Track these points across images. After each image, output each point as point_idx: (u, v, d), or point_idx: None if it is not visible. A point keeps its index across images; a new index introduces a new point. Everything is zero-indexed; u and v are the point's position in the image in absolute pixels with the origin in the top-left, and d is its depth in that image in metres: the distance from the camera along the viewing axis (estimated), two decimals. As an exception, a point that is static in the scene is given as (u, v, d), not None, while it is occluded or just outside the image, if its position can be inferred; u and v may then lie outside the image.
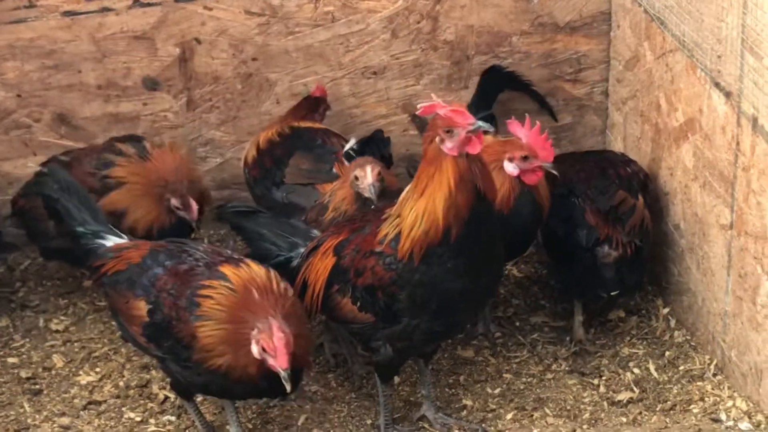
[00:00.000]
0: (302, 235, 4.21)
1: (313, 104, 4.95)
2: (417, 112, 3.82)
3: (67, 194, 4.16)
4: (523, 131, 4.22)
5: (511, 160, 4.21)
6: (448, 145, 3.71)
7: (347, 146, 4.62)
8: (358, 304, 3.94)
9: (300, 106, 4.95)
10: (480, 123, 3.67)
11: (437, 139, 3.72)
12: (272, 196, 4.69)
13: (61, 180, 4.20)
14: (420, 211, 3.76)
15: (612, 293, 4.44)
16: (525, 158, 4.21)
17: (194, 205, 4.54)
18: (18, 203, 4.75)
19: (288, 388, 3.64)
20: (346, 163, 4.53)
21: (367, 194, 4.20)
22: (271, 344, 3.62)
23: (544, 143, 4.21)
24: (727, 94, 4.16)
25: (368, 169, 4.21)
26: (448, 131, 3.69)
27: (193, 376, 3.83)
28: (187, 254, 3.97)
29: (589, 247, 4.40)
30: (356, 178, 4.23)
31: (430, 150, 3.76)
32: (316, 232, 4.21)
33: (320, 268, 4.05)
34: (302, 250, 4.16)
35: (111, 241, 4.12)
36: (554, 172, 4.25)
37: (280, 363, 3.61)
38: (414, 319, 3.88)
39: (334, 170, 4.59)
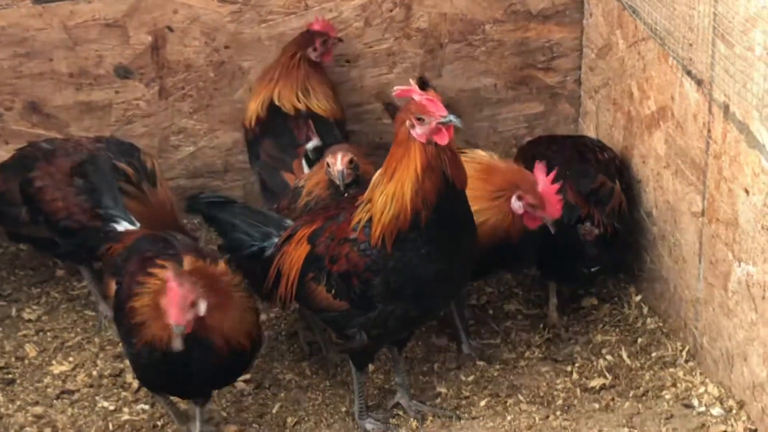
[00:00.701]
0: (275, 224, 4.20)
1: (307, 40, 4.83)
2: (393, 94, 3.83)
3: (100, 175, 4.31)
4: (542, 178, 4.17)
5: (519, 198, 4.18)
6: (418, 131, 3.73)
7: (308, 145, 4.63)
8: (333, 291, 3.95)
9: (292, 43, 4.84)
10: (452, 117, 3.68)
11: (407, 123, 3.73)
12: (253, 165, 4.78)
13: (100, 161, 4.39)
14: (389, 195, 3.78)
15: (593, 269, 4.46)
16: (533, 206, 4.18)
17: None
18: None
19: (177, 345, 3.67)
20: (303, 162, 4.54)
21: (336, 181, 4.20)
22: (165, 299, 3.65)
23: (556, 200, 4.16)
24: (699, 82, 4.18)
25: (339, 156, 4.22)
26: (419, 118, 3.70)
27: (136, 360, 3.86)
28: (167, 243, 3.98)
29: (571, 224, 4.41)
30: (328, 164, 4.23)
31: (400, 133, 3.78)
32: (289, 222, 4.21)
33: (294, 257, 4.05)
34: (276, 239, 4.15)
35: (122, 226, 4.19)
36: (552, 228, 4.22)
37: (170, 316, 3.63)
38: (389, 305, 3.89)
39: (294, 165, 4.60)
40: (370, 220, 3.85)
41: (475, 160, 4.27)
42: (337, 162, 4.20)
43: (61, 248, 4.55)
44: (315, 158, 4.60)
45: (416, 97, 3.71)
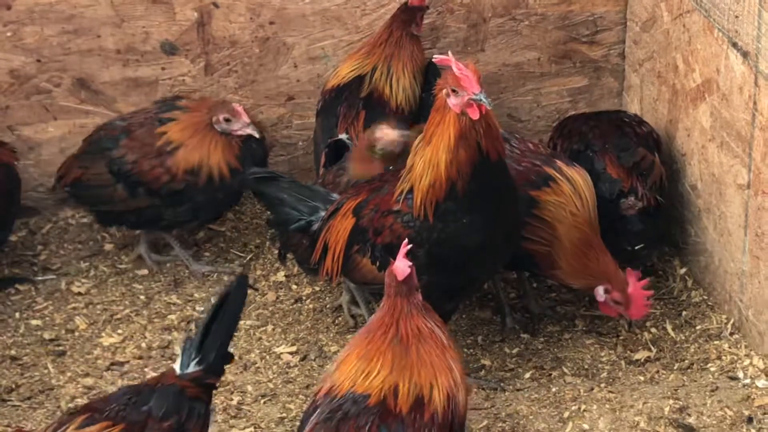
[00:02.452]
0: (322, 198, 4.24)
1: (409, 16, 4.83)
2: (433, 60, 3.84)
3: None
4: (633, 281, 4.20)
5: (606, 291, 4.23)
6: (453, 102, 3.75)
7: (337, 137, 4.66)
8: (378, 263, 3.98)
9: (397, 21, 4.82)
10: (482, 96, 3.69)
11: (444, 91, 3.75)
12: None
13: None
14: (426, 160, 3.83)
15: (636, 247, 4.46)
16: (617, 303, 4.24)
17: (240, 108, 4.57)
18: (72, 174, 4.76)
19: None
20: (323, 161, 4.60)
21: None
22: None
23: (642, 305, 4.22)
24: (745, 54, 4.16)
25: (383, 132, 4.25)
26: (454, 90, 3.72)
27: None
28: None
29: (613, 198, 4.42)
30: (376, 139, 4.26)
31: (438, 99, 3.81)
32: (335, 196, 4.25)
33: (340, 230, 4.09)
34: (322, 213, 4.19)
35: None
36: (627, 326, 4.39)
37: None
38: (433, 276, 3.92)
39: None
40: (411, 190, 3.88)
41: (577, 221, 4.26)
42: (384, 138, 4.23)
43: (164, 217, 4.68)
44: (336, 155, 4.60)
45: (453, 69, 3.73)
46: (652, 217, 4.47)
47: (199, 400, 3.45)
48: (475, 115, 3.72)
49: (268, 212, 4.42)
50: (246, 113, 4.63)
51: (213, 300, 3.65)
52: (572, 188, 4.24)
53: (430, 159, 3.81)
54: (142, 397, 3.38)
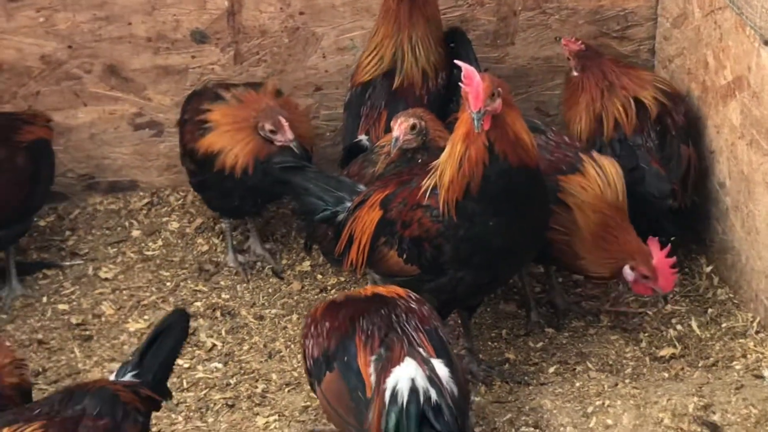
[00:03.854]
0: (348, 189, 4.25)
1: None
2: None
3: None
4: (656, 251, 4.16)
5: (632, 269, 4.18)
6: (466, 106, 3.79)
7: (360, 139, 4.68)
8: (405, 256, 3.99)
9: None
10: (477, 117, 3.71)
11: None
12: None
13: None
14: (445, 158, 3.88)
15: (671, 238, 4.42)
16: (646, 277, 4.18)
17: (286, 124, 4.54)
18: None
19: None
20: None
21: (389, 146, 4.25)
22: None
23: (669, 273, 4.16)
24: (777, 52, 4.15)
25: (399, 121, 4.26)
26: (466, 99, 3.76)
27: None
28: None
29: (659, 197, 4.46)
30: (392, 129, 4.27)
31: (463, 101, 3.83)
32: (361, 187, 4.25)
33: (367, 222, 4.10)
34: (348, 204, 4.20)
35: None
36: (662, 302, 4.35)
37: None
38: (459, 272, 3.93)
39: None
40: (435, 187, 3.89)
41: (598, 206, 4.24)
42: (395, 128, 4.22)
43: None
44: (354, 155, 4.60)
45: (462, 84, 3.74)
46: (684, 216, 4.47)
47: (136, 409, 3.42)
48: (473, 128, 3.75)
49: (293, 202, 4.42)
50: (290, 129, 4.56)
51: (153, 328, 3.69)
52: (599, 174, 4.23)
53: (449, 156, 3.86)
54: (76, 397, 3.37)
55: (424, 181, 3.93)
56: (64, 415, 3.29)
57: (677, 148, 4.59)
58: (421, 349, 3.61)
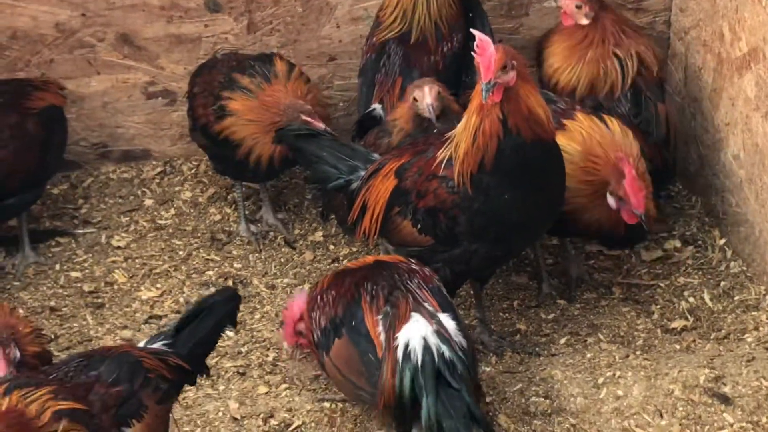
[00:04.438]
0: (362, 158, 4.24)
1: None
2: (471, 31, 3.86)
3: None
4: (627, 170, 4.06)
5: (611, 194, 4.11)
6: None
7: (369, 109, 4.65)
8: (419, 226, 3.99)
9: None
10: (486, 88, 3.69)
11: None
12: None
13: None
14: (460, 129, 3.87)
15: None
16: (621, 199, 4.10)
17: (312, 119, 4.49)
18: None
19: None
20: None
21: (426, 114, 4.23)
22: None
23: (637, 191, 4.04)
24: (793, 24, 4.12)
25: (426, 89, 4.25)
26: (478, 69, 3.74)
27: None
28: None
29: None
30: (415, 99, 4.25)
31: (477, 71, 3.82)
32: (376, 156, 4.25)
33: (381, 190, 4.09)
34: (362, 173, 4.19)
35: None
36: (645, 225, 4.12)
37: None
38: (473, 243, 3.92)
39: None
40: (451, 158, 3.89)
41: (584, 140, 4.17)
42: (426, 95, 4.22)
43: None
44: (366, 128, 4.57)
45: (476, 54, 3.72)
46: (668, 174, 4.44)
47: (161, 376, 3.37)
48: (482, 99, 3.73)
49: (306, 170, 4.41)
50: (319, 119, 4.52)
51: (197, 301, 3.66)
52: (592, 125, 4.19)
53: (464, 128, 3.85)
54: (93, 362, 3.32)
55: (440, 151, 3.92)
56: (77, 380, 3.26)
57: (654, 108, 4.55)
58: (426, 304, 3.64)
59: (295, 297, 4.03)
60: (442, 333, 3.57)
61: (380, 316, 3.66)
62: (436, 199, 3.92)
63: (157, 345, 3.46)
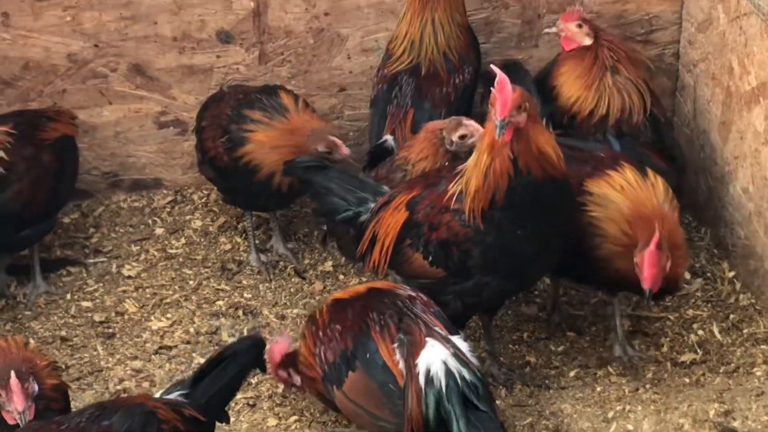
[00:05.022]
0: (371, 190, 4.26)
1: None
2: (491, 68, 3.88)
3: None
4: (651, 243, 3.95)
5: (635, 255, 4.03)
6: (491, 116, 3.81)
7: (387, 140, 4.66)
8: (430, 258, 4.00)
9: None
10: (500, 125, 3.72)
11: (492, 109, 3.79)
12: None
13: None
14: (471, 166, 3.89)
15: None
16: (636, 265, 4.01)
17: (339, 141, 4.52)
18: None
19: None
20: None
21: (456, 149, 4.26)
22: None
23: (651, 265, 3.95)
24: (803, 59, 4.14)
25: (473, 127, 4.25)
26: (489, 108, 3.78)
27: None
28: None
29: None
30: (461, 137, 4.25)
31: (489, 110, 3.84)
32: (385, 188, 4.26)
33: (391, 223, 4.11)
34: (371, 205, 4.21)
35: None
36: (645, 300, 4.07)
37: None
38: (485, 276, 3.94)
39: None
40: (461, 190, 3.92)
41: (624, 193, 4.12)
42: (475, 134, 4.19)
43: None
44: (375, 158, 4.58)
45: (494, 90, 3.75)
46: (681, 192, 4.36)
47: (175, 428, 3.34)
48: (495, 136, 3.76)
49: (314, 202, 4.43)
50: (343, 144, 4.54)
51: (219, 351, 3.66)
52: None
53: (476, 164, 3.87)
54: (106, 412, 3.31)
55: (452, 185, 3.95)
56: (89, 430, 3.25)
57: (671, 135, 4.59)
58: (437, 329, 3.65)
59: (276, 341, 4.05)
60: (459, 356, 3.62)
61: (396, 345, 3.67)
62: (449, 232, 3.94)
63: (174, 395, 3.45)
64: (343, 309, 3.85)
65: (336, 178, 4.28)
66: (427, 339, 3.64)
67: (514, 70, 4.52)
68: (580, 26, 4.63)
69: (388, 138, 4.67)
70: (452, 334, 3.70)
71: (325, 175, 4.28)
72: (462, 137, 4.26)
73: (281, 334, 4.18)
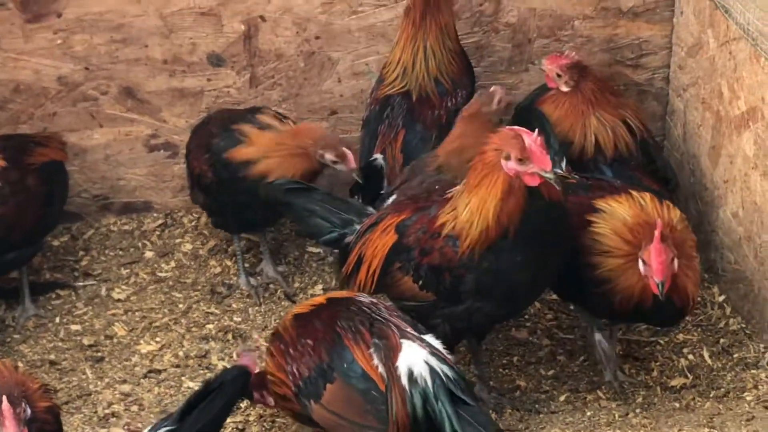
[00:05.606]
0: (357, 211, 4.25)
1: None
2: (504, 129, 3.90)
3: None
4: (655, 236, 3.93)
5: (641, 259, 3.98)
6: (510, 165, 3.78)
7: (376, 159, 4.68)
8: (421, 282, 3.99)
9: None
10: (553, 176, 3.74)
11: (504, 154, 3.77)
12: None
13: None
14: (473, 210, 3.86)
15: None
16: (647, 266, 3.98)
17: (350, 154, 4.52)
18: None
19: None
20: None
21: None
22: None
23: (659, 254, 3.91)
24: (792, 84, 4.16)
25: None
26: (521, 159, 3.74)
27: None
28: None
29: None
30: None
31: (488, 153, 3.83)
32: (371, 210, 4.26)
33: (378, 245, 4.10)
34: (357, 226, 4.20)
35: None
36: (661, 296, 3.97)
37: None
38: (478, 302, 3.93)
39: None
40: (453, 230, 3.91)
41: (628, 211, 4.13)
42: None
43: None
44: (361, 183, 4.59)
45: (527, 142, 3.74)
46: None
47: None
48: (534, 182, 3.77)
49: (298, 225, 4.42)
50: (353, 157, 4.53)
51: (205, 383, 3.63)
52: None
53: (478, 209, 3.85)
54: None
55: (441, 216, 3.94)
56: None
57: (662, 157, 4.68)
58: (409, 330, 3.69)
59: (240, 360, 4.03)
60: (438, 354, 3.64)
61: (372, 350, 3.66)
62: (441, 258, 3.92)
63: (162, 431, 3.43)
64: (310, 322, 3.83)
65: (319, 201, 4.25)
66: (402, 341, 3.64)
67: (534, 116, 4.57)
68: (559, 76, 4.69)
69: (378, 157, 4.68)
70: (423, 333, 3.72)
71: (308, 197, 4.26)
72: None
73: (241, 354, 4.15)
